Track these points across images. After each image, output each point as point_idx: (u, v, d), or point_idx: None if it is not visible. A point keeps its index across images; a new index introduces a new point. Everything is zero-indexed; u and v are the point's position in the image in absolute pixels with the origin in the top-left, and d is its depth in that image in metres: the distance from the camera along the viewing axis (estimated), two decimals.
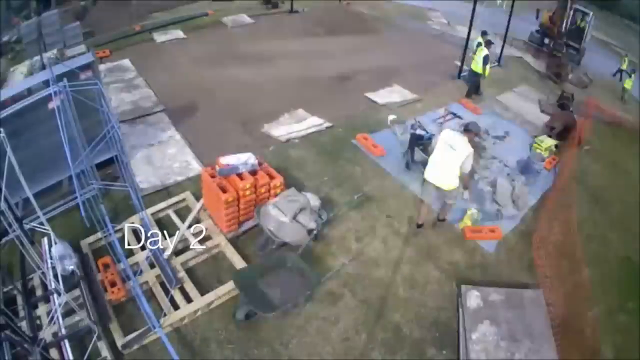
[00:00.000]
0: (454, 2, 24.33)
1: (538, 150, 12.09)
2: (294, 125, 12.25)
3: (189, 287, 7.42)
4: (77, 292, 6.96)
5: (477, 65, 14.57)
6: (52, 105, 7.82)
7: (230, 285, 7.46)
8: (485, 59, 14.28)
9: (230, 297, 7.45)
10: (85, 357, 5.95)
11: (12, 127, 7.15)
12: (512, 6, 17.74)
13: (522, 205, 10.02)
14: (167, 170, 10.20)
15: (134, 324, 6.87)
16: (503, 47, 17.72)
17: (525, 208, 10.14)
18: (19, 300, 6.94)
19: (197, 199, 9.08)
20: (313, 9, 22.62)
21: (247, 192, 8.25)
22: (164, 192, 9.60)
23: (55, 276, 6.63)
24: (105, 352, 6.34)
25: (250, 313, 7.04)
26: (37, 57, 13.76)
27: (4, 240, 7.11)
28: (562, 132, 12.91)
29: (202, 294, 7.30)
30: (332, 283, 7.95)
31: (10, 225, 6.33)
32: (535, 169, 11.28)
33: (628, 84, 19.59)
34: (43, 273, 6.75)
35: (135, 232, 8.41)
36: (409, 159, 10.74)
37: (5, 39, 14.82)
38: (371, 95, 14.30)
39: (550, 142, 12.23)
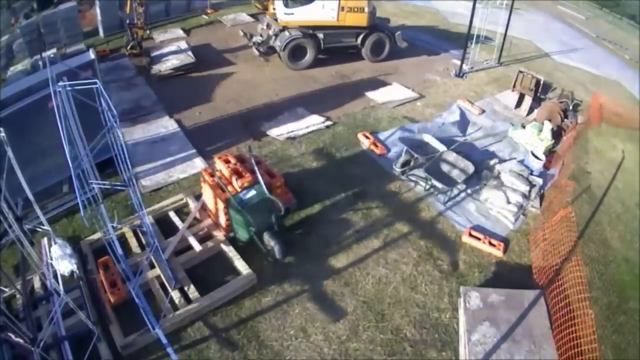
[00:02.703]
0: (454, 3, 24.26)
1: (537, 148, 12.06)
2: (294, 124, 12.25)
3: (189, 287, 7.42)
4: (77, 292, 6.96)
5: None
6: (52, 104, 7.80)
7: (229, 286, 7.48)
8: None
9: (230, 298, 7.47)
10: (85, 358, 5.95)
11: (12, 127, 7.15)
12: (512, 4, 17.65)
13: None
14: (169, 168, 10.22)
15: (133, 324, 6.87)
16: (503, 45, 17.65)
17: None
18: (19, 300, 6.94)
19: (197, 197, 9.08)
20: None
21: None
22: (165, 190, 9.62)
23: (55, 276, 6.63)
24: (105, 353, 6.35)
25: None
26: (37, 56, 13.73)
27: (4, 240, 7.10)
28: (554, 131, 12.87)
29: (202, 295, 7.30)
30: (333, 284, 7.96)
31: (10, 226, 6.31)
32: (535, 168, 11.25)
33: None
34: (43, 273, 6.75)
35: (135, 232, 8.41)
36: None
37: (4, 39, 14.79)
38: (371, 93, 14.28)
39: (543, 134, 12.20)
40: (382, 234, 9.05)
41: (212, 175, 8.47)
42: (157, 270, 7.62)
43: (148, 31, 15.62)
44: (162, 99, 13.10)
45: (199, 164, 10.32)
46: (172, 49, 15.53)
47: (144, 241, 8.20)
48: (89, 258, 7.85)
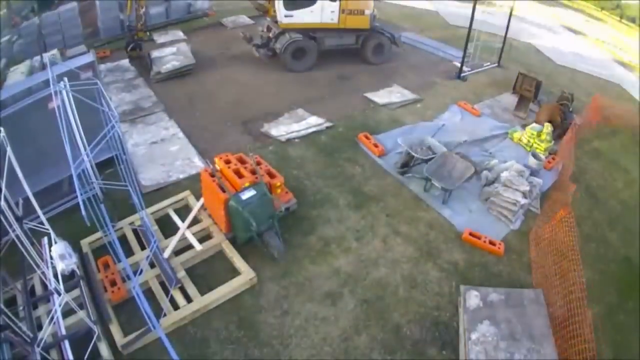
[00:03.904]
0: (454, 2, 24.33)
1: (537, 149, 12.08)
2: (294, 125, 12.27)
3: (189, 286, 7.43)
4: (77, 292, 6.97)
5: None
6: (52, 105, 7.83)
7: (229, 285, 7.48)
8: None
9: (230, 297, 7.47)
10: (85, 357, 5.94)
11: (12, 127, 7.16)
12: (512, 7, 17.73)
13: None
14: (169, 168, 10.25)
15: (134, 323, 6.88)
16: (503, 47, 17.69)
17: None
18: (19, 300, 6.94)
19: (198, 197, 9.08)
20: None
21: None
22: (165, 190, 9.64)
23: (55, 276, 6.63)
24: (105, 352, 6.34)
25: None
26: (37, 57, 13.75)
27: (4, 240, 7.11)
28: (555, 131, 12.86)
29: (202, 294, 7.31)
30: (332, 283, 7.97)
31: (10, 225, 6.32)
32: (535, 169, 11.27)
33: None
34: (43, 273, 6.75)
35: (136, 232, 8.42)
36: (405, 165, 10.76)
37: (5, 38, 14.81)
38: (371, 95, 14.29)
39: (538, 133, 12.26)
40: (382, 234, 9.06)
41: (212, 175, 8.47)
42: (157, 270, 7.64)
43: (148, 33, 15.65)
44: (163, 100, 13.12)
45: (199, 164, 10.33)
46: (173, 50, 15.53)
47: (144, 241, 8.20)
48: (89, 257, 7.85)
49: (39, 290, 7.30)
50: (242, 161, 8.92)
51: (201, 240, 8.26)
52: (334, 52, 16.03)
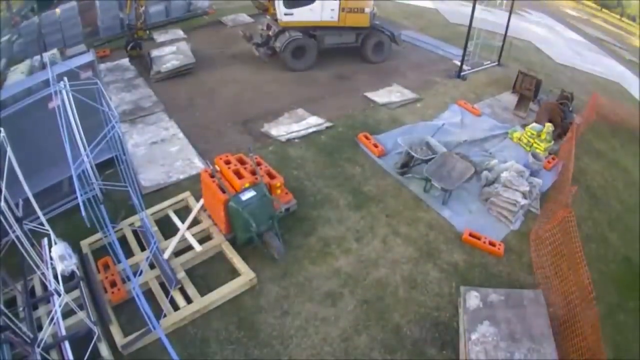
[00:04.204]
0: (454, 0, 24.32)
1: (537, 149, 12.07)
2: (294, 125, 12.25)
3: (189, 287, 7.44)
4: (77, 292, 6.98)
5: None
6: (52, 105, 7.82)
7: (229, 286, 7.48)
8: None
9: (231, 298, 7.47)
10: (85, 358, 5.95)
11: (12, 127, 7.16)
12: (512, 5, 17.71)
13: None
14: (169, 169, 10.25)
15: (134, 324, 6.89)
16: (503, 46, 17.67)
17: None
18: (19, 301, 6.95)
19: (197, 198, 9.08)
20: None
21: None
22: (165, 190, 9.63)
23: (55, 277, 6.64)
24: (105, 353, 6.35)
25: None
26: (37, 57, 13.74)
27: (4, 240, 7.11)
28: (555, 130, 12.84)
29: (202, 295, 7.32)
30: (332, 283, 7.97)
31: (10, 226, 6.32)
32: (535, 169, 11.27)
33: None
34: (43, 274, 6.75)
35: (135, 233, 8.42)
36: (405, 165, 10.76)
37: (5, 38, 14.80)
38: (371, 94, 14.28)
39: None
40: (382, 234, 9.06)
41: (212, 175, 8.47)
42: (157, 271, 7.64)
43: (148, 32, 15.64)
44: (163, 99, 13.11)
45: (198, 164, 10.32)
46: (172, 49, 15.52)
47: (144, 241, 8.21)
48: (89, 258, 7.85)
49: (39, 291, 7.31)
50: (242, 162, 8.91)
51: (201, 241, 8.26)
52: (333, 51, 16.01)
